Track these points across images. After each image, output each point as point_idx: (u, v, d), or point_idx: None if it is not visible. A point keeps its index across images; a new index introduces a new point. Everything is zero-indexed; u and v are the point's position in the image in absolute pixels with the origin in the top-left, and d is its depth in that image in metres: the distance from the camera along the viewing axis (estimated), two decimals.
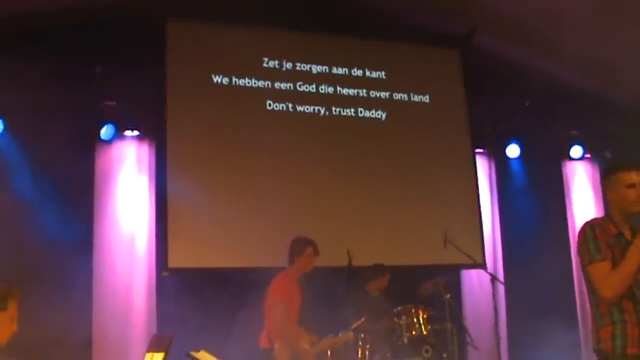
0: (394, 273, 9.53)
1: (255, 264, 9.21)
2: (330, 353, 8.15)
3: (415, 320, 8.78)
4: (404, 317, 8.77)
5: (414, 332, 8.74)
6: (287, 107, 10.60)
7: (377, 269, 9.48)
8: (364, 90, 11.08)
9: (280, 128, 10.48)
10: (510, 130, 11.86)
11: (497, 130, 11.88)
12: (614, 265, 4.63)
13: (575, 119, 11.94)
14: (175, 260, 9.61)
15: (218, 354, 5.09)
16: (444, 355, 9.01)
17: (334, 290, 8.80)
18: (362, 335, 8.37)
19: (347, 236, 9.86)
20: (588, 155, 12.29)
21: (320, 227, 9.87)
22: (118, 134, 9.99)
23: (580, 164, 12.41)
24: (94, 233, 9.71)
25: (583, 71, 11.41)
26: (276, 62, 10.72)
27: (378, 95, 11.14)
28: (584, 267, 4.78)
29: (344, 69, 11.05)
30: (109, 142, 9.98)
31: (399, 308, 8.84)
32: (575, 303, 11.82)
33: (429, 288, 9.35)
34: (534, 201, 11.78)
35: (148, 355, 5.02)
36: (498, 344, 9.39)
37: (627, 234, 4.79)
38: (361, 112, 10.98)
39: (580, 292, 11.69)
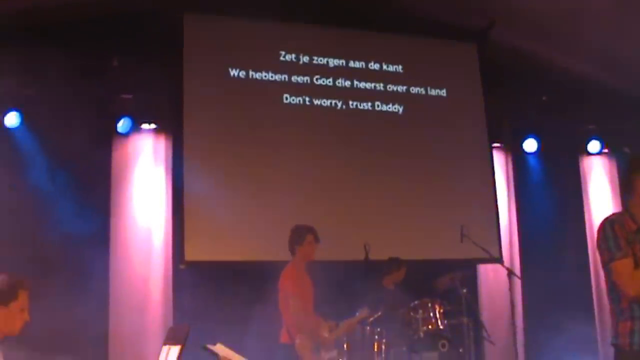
0: (410, 267, 9.52)
1: (271, 257, 9.15)
2: (348, 346, 8.15)
3: (431, 314, 8.76)
4: (420, 311, 8.74)
5: (430, 327, 8.71)
6: (304, 100, 10.59)
7: (393, 263, 9.47)
8: (381, 84, 11.06)
9: (297, 122, 10.48)
10: (528, 124, 11.82)
11: (514, 124, 11.84)
12: (635, 261, 4.60)
13: (593, 114, 11.87)
14: (192, 253, 9.62)
15: (235, 347, 5.08)
16: (460, 350, 9.01)
17: (351, 284, 8.79)
18: (378, 329, 8.35)
19: (364, 230, 9.84)
20: (606, 150, 12.23)
21: (337, 221, 9.87)
22: (135, 127, 10.01)
23: (598, 159, 12.36)
24: (111, 226, 9.76)
25: (601, 65, 11.36)
26: (293, 55, 10.70)
27: (395, 89, 11.11)
28: (604, 264, 4.75)
29: (361, 63, 11.03)
30: (125, 135, 10.00)
31: (415, 302, 8.81)
32: (592, 297, 11.79)
33: (445, 282, 9.33)
34: (551, 196, 11.73)
35: (165, 348, 5.01)
36: (514, 338, 9.38)
37: None
38: (378, 105, 10.95)
39: (597, 287, 11.66)
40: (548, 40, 11.09)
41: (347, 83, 10.89)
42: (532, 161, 12.01)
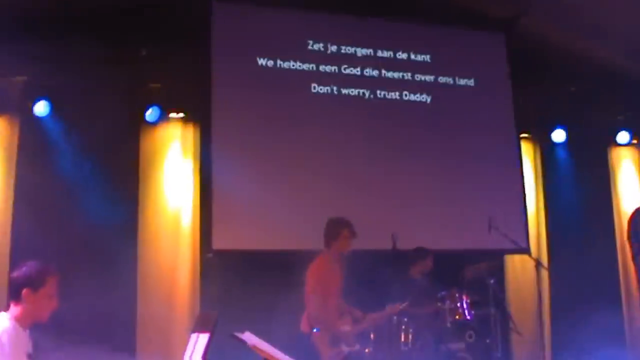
0: (437, 257, 9.49)
1: (298, 247, 9.18)
2: (373, 337, 8.16)
3: (458, 305, 8.76)
4: (447, 302, 8.75)
5: (457, 317, 8.72)
6: (332, 90, 10.57)
7: (419, 252, 9.45)
8: (409, 74, 11.02)
9: (325, 111, 10.46)
10: (556, 115, 11.76)
11: (542, 115, 11.78)
12: None
13: (622, 105, 11.81)
14: (219, 242, 9.65)
15: (262, 336, 5.09)
16: (487, 341, 9.02)
17: (378, 274, 8.78)
18: (405, 320, 8.36)
19: (392, 219, 9.86)
20: (635, 141, 12.16)
21: (365, 210, 9.83)
22: (163, 116, 10.05)
23: (627, 150, 12.30)
24: (139, 214, 9.81)
25: (630, 55, 11.26)
26: (321, 44, 10.69)
27: (423, 78, 11.07)
28: (634, 255, 4.74)
29: (389, 52, 10.99)
30: (154, 124, 10.05)
31: (442, 292, 8.82)
32: (619, 289, 11.73)
33: (472, 273, 9.30)
34: (579, 187, 11.67)
35: (193, 336, 5.04)
36: (541, 329, 9.36)
37: None
38: (406, 95, 10.92)
39: (625, 278, 11.61)
40: (577, 30, 11.02)
41: (375, 72, 10.86)
42: (560, 152, 11.94)
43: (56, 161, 9.39)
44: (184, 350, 5.08)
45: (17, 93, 9.50)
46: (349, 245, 8.01)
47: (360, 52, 10.84)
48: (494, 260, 9.81)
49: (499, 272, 10.65)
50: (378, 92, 10.80)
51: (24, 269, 4.85)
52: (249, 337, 4.99)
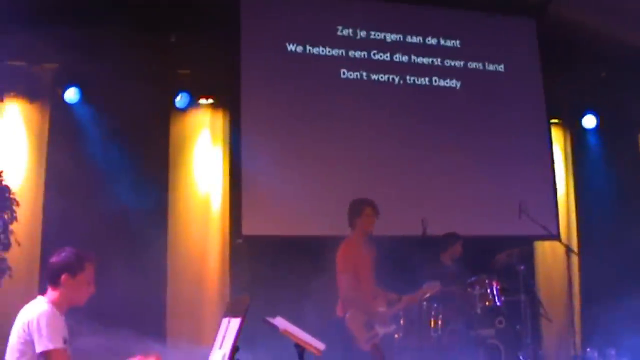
0: (467, 243, 9.45)
1: (327, 233, 9.17)
2: (403, 322, 8.16)
3: (488, 291, 8.72)
4: (477, 288, 8.71)
5: (487, 303, 8.68)
6: (361, 75, 10.56)
7: (448, 238, 9.41)
8: (439, 59, 10.99)
9: (354, 97, 10.43)
10: (587, 100, 11.69)
11: (573, 100, 11.70)
12: None
13: None
14: (249, 227, 9.68)
15: (292, 321, 5.09)
16: (517, 327, 8.98)
17: (408, 260, 8.76)
18: (435, 305, 8.35)
19: (421, 205, 9.85)
20: None
21: (394, 196, 9.84)
22: (192, 102, 10.09)
23: None
24: (169, 200, 9.86)
25: None
26: (350, 30, 10.67)
27: (452, 64, 11.04)
28: None
29: (418, 38, 10.96)
30: (183, 110, 10.09)
31: (472, 278, 8.78)
32: None
33: (503, 259, 9.26)
34: (609, 173, 11.60)
35: (225, 320, 5.04)
36: (571, 315, 9.32)
37: None
38: (435, 81, 10.89)
39: None
40: (607, 15, 10.92)
41: (405, 58, 10.83)
42: (591, 137, 11.87)
43: (86, 147, 9.45)
44: (214, 334, 5.10)
45: (48, 80, 9.57)
46: (372, 223, 7.95)
47: (390, 37, 10.82)
48: (525, 247, 9.75)
49: (529, 258, 10.61)
50: (407, 77, 10.78)
51: (63, 254, 4.93)
52: (281, 322, 4.99)
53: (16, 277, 8.57)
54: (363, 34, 10.71)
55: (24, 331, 4.63)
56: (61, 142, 9.41)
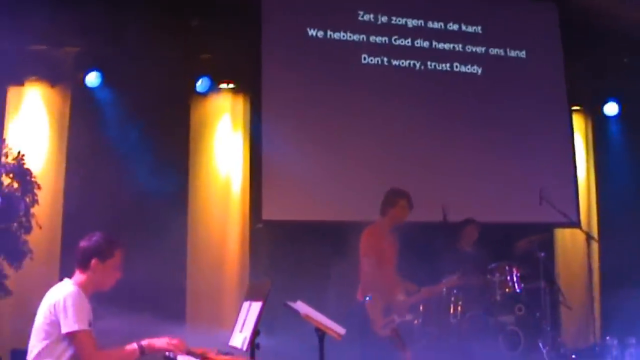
0: (488, 230, 9.42)
1: (347, 218, 9.19)
2: (423, 308, 8.16)
3: (508, 277, 8.74)
4: (497, 274, 8.72)
5: (507, 290, 8.70)
6: (382, 61, 10.54)
7: (463, 222, 9.36)
8: (460, 45, 10.95)
9: (375, 82, 10.41)
10: (609, 87, 11.60)
11: (594, 87, 11.62)
12: None
13: None
14: (269, 212, 9.69)
15: (313, 306, 5.10)
16: (537, 314, 8.98)
17: (428, 246, 8.75)
18: (455, 292, 8.36)
19: (442, 191, 9.84)
20: None
21: (415, 181, 9.75)
22: (213, 87, 10.08)
23: None
24: (189, 184, 9.88)
25: None
26: (371, 15, 10.63)
27: (474, 50, 11.00)
28: None
29: (439, 23, 10.92)
30: (204, 94, 10.09)
31: (492, 265, 8.78)
32: None
33: (523, 246, 9.25)
34: (631, 160, 11.52)
35: (246, 304, 5.06)
36: (591, 303, 9.30)
37: None
38: (457, 67, 10.86)
39: None
40: (630, 0, 10.85)
41: (426, 44, 10.80)
42: (612, 125, 11.80)
43: (107, 132, 9.46)
44: (233, 318, 5.13)
45: (70, 64, 9.58)
46: (404, 216, 7.94)
47: (411, 22, 10.78)
48: (544, 234, 9.72)
49: (549, 245, 10.58)
50: (429, 63, 10.75)
51: (94, 239, 4.97)
52: (301, 307, 5.02)
53: (37, 260, 8.58)
54: (384, 19, 10.68)
55: (50, 312, 4.66)
56: (82, 126, 9.44)
